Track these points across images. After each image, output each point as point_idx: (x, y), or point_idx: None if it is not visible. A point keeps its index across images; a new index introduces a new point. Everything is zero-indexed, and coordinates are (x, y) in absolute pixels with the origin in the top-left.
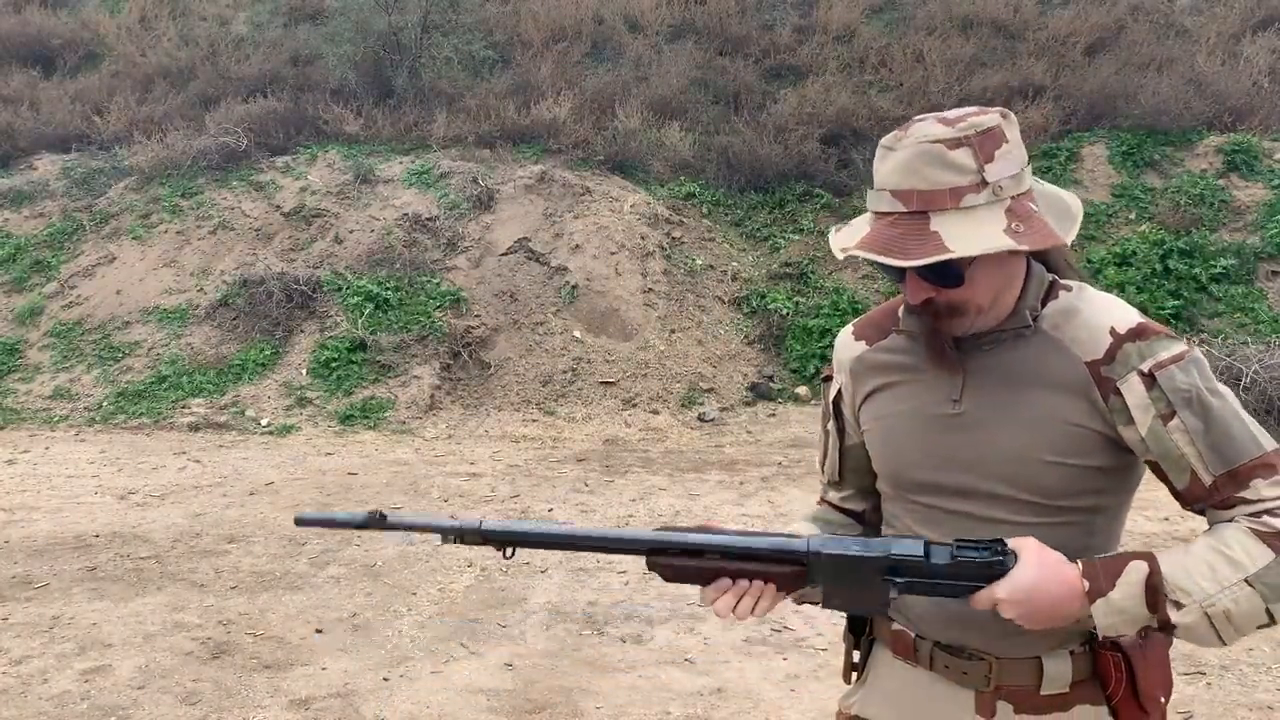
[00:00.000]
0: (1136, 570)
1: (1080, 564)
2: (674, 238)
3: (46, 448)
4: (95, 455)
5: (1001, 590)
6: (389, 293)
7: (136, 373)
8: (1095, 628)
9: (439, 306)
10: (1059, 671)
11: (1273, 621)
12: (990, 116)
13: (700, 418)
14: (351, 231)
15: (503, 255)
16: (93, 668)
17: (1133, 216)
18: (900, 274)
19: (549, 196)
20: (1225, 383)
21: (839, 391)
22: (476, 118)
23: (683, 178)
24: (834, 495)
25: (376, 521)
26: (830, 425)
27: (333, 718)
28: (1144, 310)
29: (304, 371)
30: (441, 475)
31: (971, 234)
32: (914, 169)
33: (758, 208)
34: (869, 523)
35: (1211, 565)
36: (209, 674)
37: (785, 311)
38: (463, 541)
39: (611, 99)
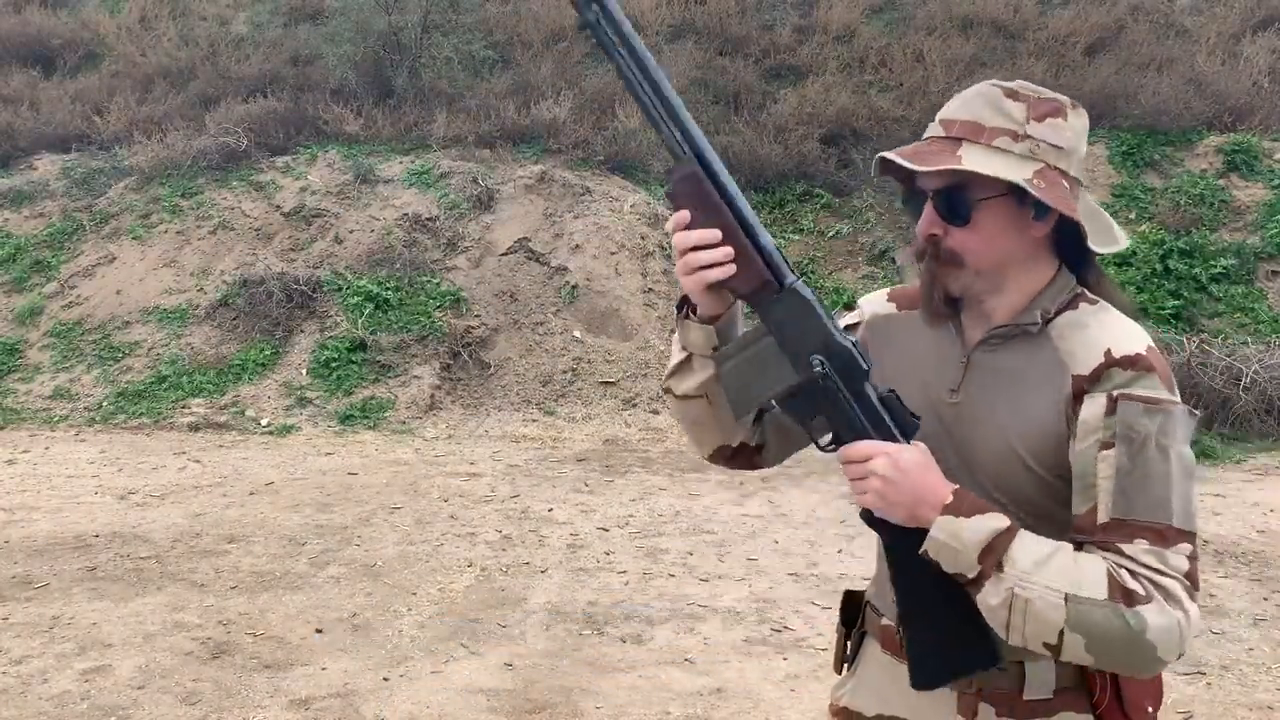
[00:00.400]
0: (997, 521)
1: (958, 485)
2: None
3: (46, 448)
4: (95, 455)
5: (888, 450)
6: (389, 293)
7: (136, 373)
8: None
9: (439, 306)
10: (1043, 677)
11: (1059, 645)
12: (1060, 96)
13: None
14: (351, 231)
15: (503, 255)
16: (93, 668)
17: (1133, 216)
18: (919, 207)
19: (549, 196)
20: (1225, 383)
21: (856, 326)
22: (476, 118)
23: None
24: None
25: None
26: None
27: (333, 718)
28: (1144, 310)
29: (304, 371)
30: (441, 475)
31: (989, 164)
32: (968, 103)
33: (758, 208)
34: (761, 426)
35: (1050, 562)
36: (209, 674)
37: None
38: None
39: (611, 99)
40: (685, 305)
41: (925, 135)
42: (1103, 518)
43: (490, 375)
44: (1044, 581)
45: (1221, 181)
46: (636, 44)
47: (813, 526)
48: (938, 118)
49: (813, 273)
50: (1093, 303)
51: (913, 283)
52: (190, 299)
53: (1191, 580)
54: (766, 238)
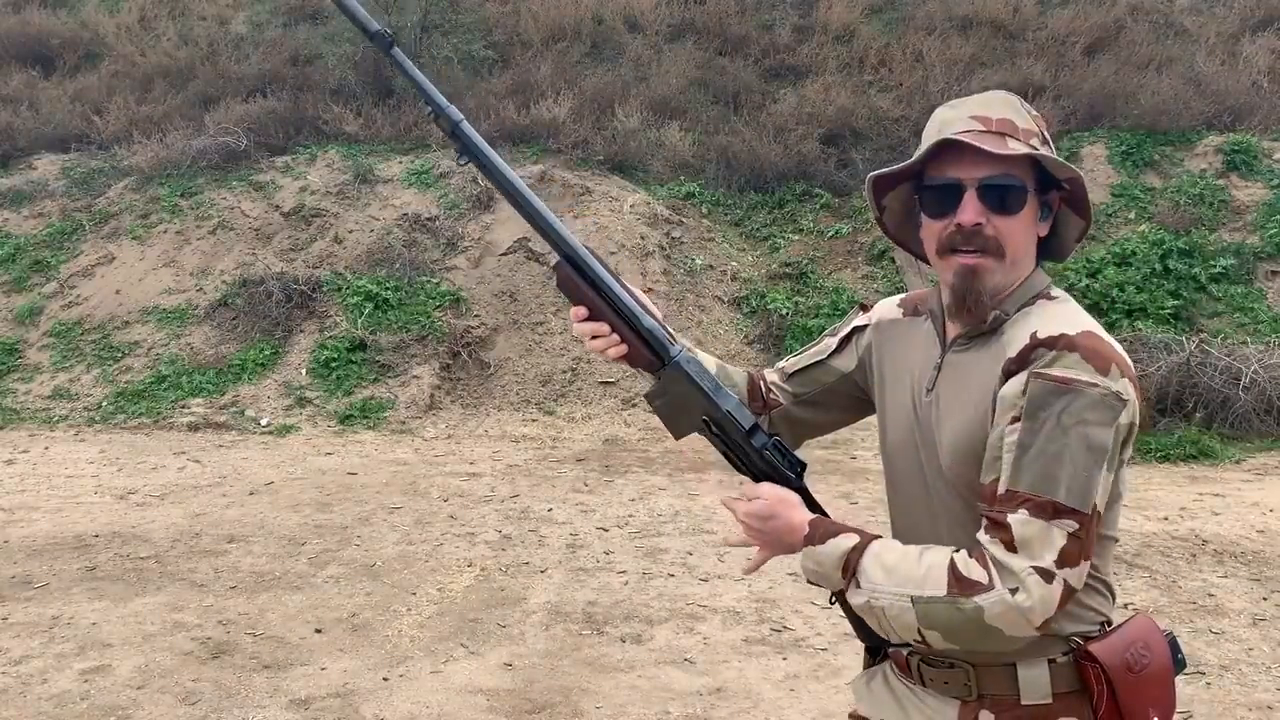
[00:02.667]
0: (847, 541)
1: (814, 516)
2: (674, 238)
3: (46, 448)
4: (95, 455)
5: (761, 492)
6: (389, 293)
7: (136, 372)
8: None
9: (439, 306)
10: (1036, 680)
11: (923, 640)
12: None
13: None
14: (351, 231)
15: (502, 255)
16: (92, 668)
17: (1132, 216)
18: (953, 203)
19: (549, 196)
20: (1225, 383)
21: (865, 329)
22: (476, 118)
23: (682, 178)
24: (771, 375)
25: (383, 40)
26: (830, 339)
27: (332, 718)
28: (1143, 310)
29: (304, 371)
30: (441, 475)
31: (1050, 158)
32: (996, 104)
33: (757, 208)
34: (769, 417)
35: (899, 569)
36: (209, 674)
37: (785, 311)
38: (436, 123)
39: (611, 99)
40: None
41: (951, 131)
42: (1000, 489)
43: (490, 375)
44: (892, 588)
45: (1221, 181)
46: (498, 165)
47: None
48: (966, 114)
49: (812, 273)
50: (1052, 299)
51: (917, 288)
52: (190, 299)
53: (1067, 557)
54: (646, 320)
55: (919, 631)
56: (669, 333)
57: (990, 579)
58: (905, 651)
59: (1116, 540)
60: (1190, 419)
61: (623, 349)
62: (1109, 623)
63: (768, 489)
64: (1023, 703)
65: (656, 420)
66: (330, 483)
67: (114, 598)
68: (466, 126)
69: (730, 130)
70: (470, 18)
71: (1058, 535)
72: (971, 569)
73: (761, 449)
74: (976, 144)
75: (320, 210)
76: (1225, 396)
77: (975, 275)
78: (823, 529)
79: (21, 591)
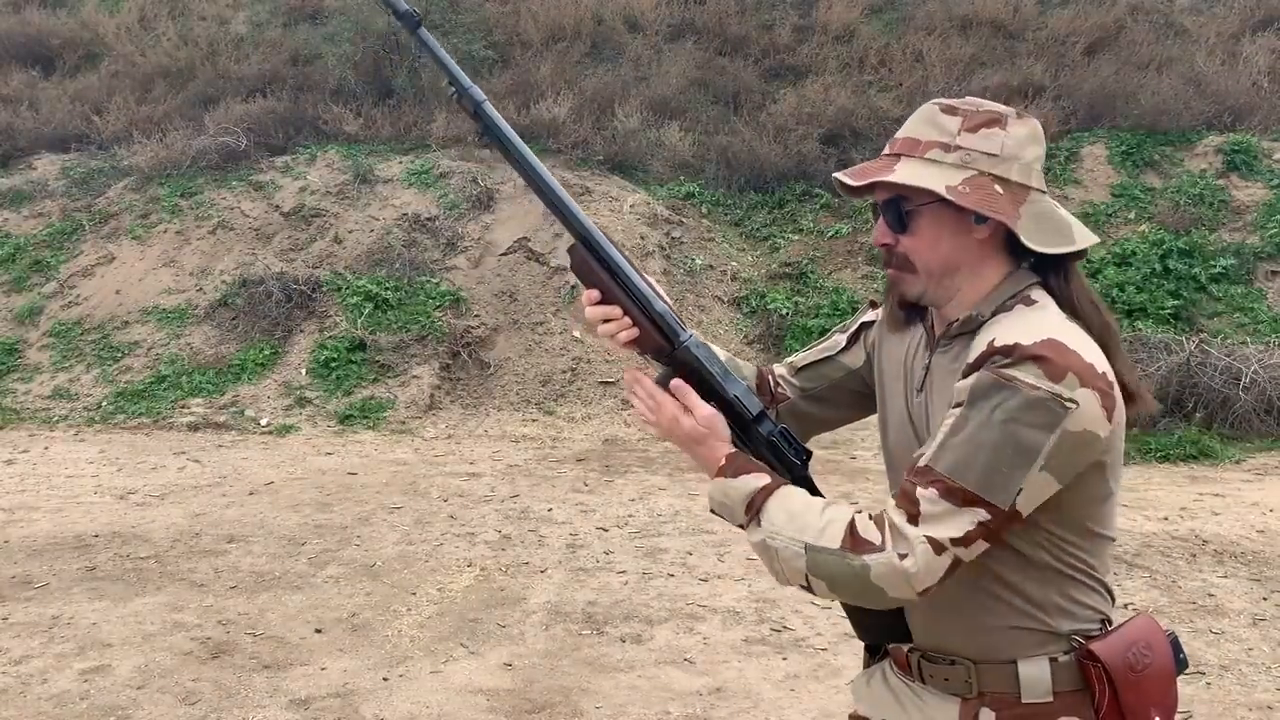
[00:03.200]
0: (757, 480)
1: (734, 449)
2: (674, 238)
3: (46, 448)
4: (95, 455)
5: (680, 416)
6: (389, 293)
7: (136, 372)
8: None
9: (439, 306)
10: (1036, 678)
11: (809, 587)
12: (1001, 107)
13: None
14: (351, 231)
15: (502, 255)
16: (92, 668)
17: (1132, 216)
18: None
19: None
20: (1225, 383)
21: (873, 325)
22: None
23: (682, 178)
24: (780, 369)
25: (410, 20)
26: (840, 335)
27: (332, 718)
28: (1143, 310)
29: (303, 371)
30: (441, 475)
31: (914, 175)
32: (910, 123)
33: (757, 208)
34: (776, 411)
35: (801, 517)
36: (209, 674)
37: (785, 311)
38: (459, 103)
39: (611, 99)
40: None
41: (881, 154)
42: (920, 462)
43: (490, 375)
44: (789, 533)
45: (1221, 181)
46: (517, 144)
47: None
48: (889, 139)
49: (812, 273)
50: (1030, 304)
51: None
52: (190, 299)
53: (965, 542)
54: (658, 304)
55: (806, 578)
56: (679, 319)
57: (883, 541)
58: (905, 649)
59: (1113, 540)
60: (1190, 419)
61: (634, 333)
62: (1109, 621)
63: (709, 410)
64: (1023, 701)
65: None
66: (330, 483)
67: (114, 598)
68: (489, 107)
69: (730, 130)
70: (470, 18)
71: (963, 521)
72: (869, 530)
73: (768, 435)
74: (842, 178)
75: (320, 210)
76: (1225, 396)
77: (894, 286)
78: (738, 464)
79: (21, 591)
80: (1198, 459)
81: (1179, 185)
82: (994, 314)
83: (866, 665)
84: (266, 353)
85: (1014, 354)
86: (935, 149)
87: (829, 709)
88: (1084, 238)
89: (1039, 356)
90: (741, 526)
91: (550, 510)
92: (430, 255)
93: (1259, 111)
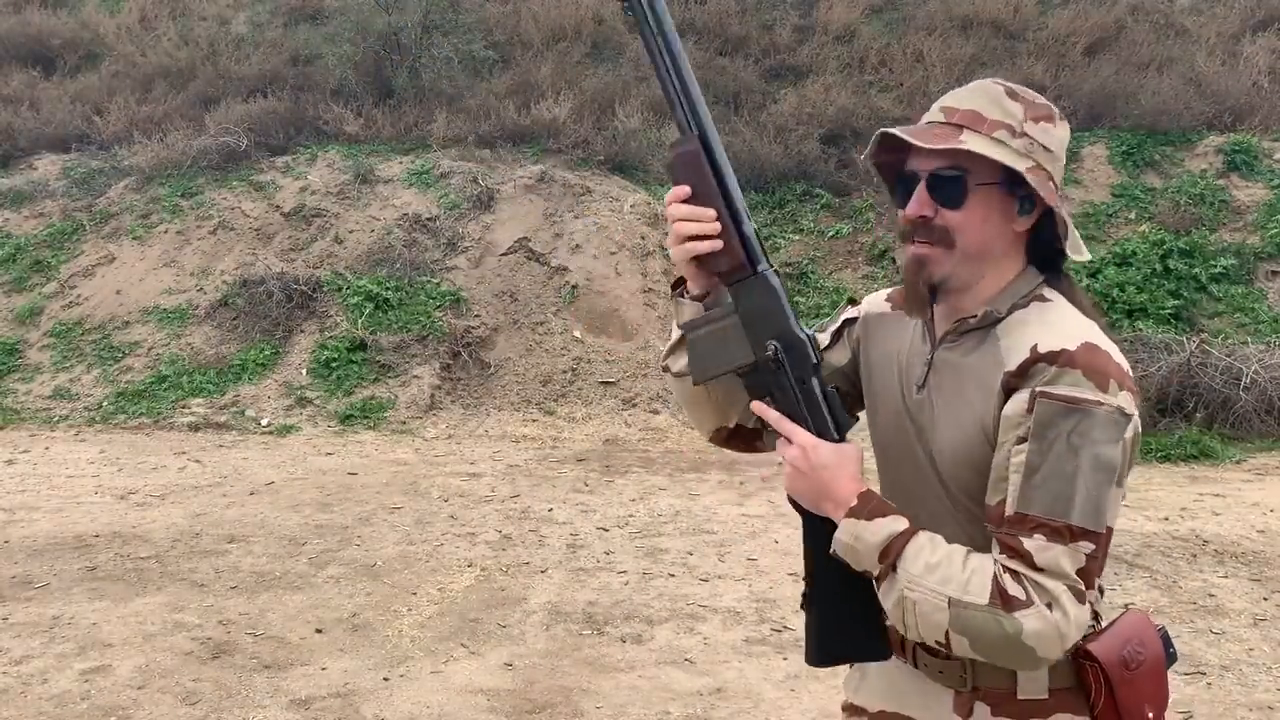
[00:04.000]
0: (895, 525)
1: (866, 488)
2: None
3: (46, 448)
4: (95, 455)
5: (805, 443)
6: (389, 293)
7: (136, 373)
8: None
9: (439, 306)
10: (1033, 675)
11: (947, 643)
12: (1051, 104)
13: None
14: (351, 231)
15: (503, 255)
16: (93, 668)
17: (1133, 216)
18: (908, 191)
19: (549, 196)
20: (1225, 383)
21: (856, 321)
22: (476, 118)
23: None
24: None
25: None
26: (822, 336)
27: (333, 718)
28: (1143, 310)
29: (304, 371)
30: (441, 475)
31: (991, 150)
32: (970, 96)
33: (758, 208)
34: None
35: (942, 567)
36: (209, 674)
37: None
38: None
39: (611, 99)
40: (680, 285)
41: (925, 120)
42: (1008, 511)
43: (490, 375)
44: (931, 585)
45: (1221, 181)
46: (666, 21)
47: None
48: (938, 105)
49: (813, 273)
50: (1046, 300)
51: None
52: (190, 299)
53: (1085, 578)
54: (749, 225)
55: (945, 634)
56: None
57: (1028, 595)
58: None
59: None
60: (1191, 419)
61: (716, 244)
62: (1100, 617)
63: (815, 441)
64: (1018, 697)
65: (657, 420)
66: (330, 483)
67: (114, 598)
68: None
69: (730, 130)
70: (470, 18)
71: (1077, 559)
72: (1009, 583)
73: (824, 392)
74: (906, 137)
75: (320, 210)
76: (1225, 397)
77: (921, 265)
78: (872, 505)
79: (22, 591)
80: (1198, 459)
81: (1179, 185)
82: (1010, 311)
83: None
84: (267, 353)
85: (1060, 361)
86: (1002, 130)
87: (829, 709)
88: (1084, 249)
89: (1086, 364)
90: (869, 574)
91: (551, 510)
92: (431, 255)
93: (1259, 111)
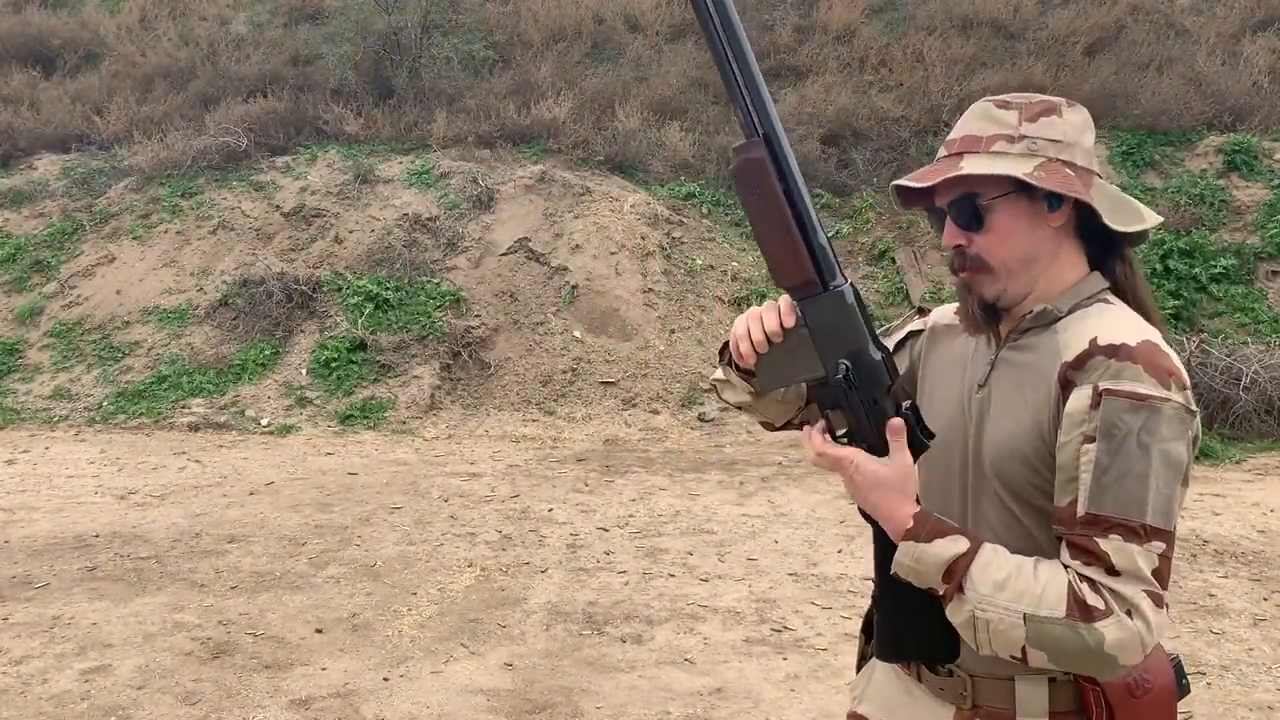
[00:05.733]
0: (956, 546)
1: (921, 507)
2: (674, 238)
3: (46, 448)
4: (95, 455)
5: (861, 459)
6: (389, 293)
7: (136, 373)
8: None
9: (439, 306)
10: (1033, 697)
11: (1024, 659)
12: (1054, 98)
13: (700, 418)
14: (351, 231)
15: (503, 255)
16: (93, 668)
17: None
18: (942, 220)
19: (549, 196)
20: (1225, 383)
21: (920, 334)
22: (476, 118)
23: (683, 178)
24: None
25: None
26: (894, 340)
27: (333, 718)
28: None
29: (304, 371)
30: (441, 475)
31: (987, 165)
32: (964, 124)
33: None
34: None
35: (1013, 583)
36: (209, 674)
37: None
38: None
39: (611, 99)
40: (727, 350)
41: (935, 159)
42: (1080, 512)
43: (490, 375)
44: (1003, 603)
45: (1221, 181)
46: (732, 15)
47: (813, 526)
48: (943, 144)
49: None
50: (1108, 301)
51: (918, 288)
52: (190, 299)
53: (1160, 579)
54: (821, 236)
55: (1022, 649)
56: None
57: (1106, 604)
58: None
59: None
60: None
61: (752, 358)
62: None
63: (867, 459)
64: (1017, 718)
65: (657, 420)
66: (330, 483)
67: (114, 598)
68: None
69: (731, 130)
70: (470, 18)
71: (1151, 559)
72: (1086, 592)
73: (899, 412)
74: (908, 182)
75: (320, 210)
76: (1226, 397)
77: (968, 290)
78: (930, 526)
79: (22, 591)
80: (1198, 459)
81: (1179, 185)
82: (1070, 310)
83: (860, 665)
84: (267, 353)
85: (1120, 354)
86: (999, 141)
87: (829, 709)
88: (1151, 216)
89: (1147, 360)
90: (933, 592)
91: (551, 510)
92: (431, 255)
93: (1259, 111)
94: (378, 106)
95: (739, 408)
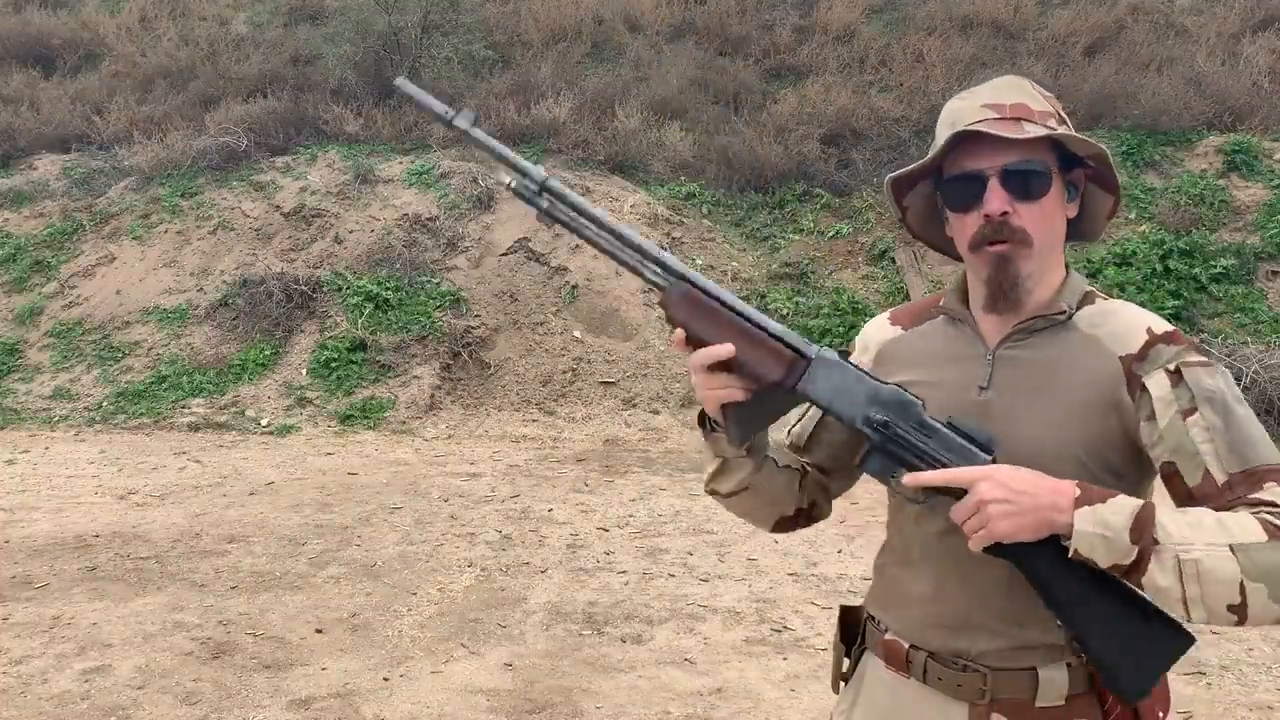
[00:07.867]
0: (1131, 500)
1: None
2: (674, 238)
3: (46, 448)
4: (95, 455)
5: (987, 473)
6: (389, 293)
7: (136, 373)
8: (1068, 539)
9: (439, 306)
10: (1055, 683)
11: (1243, 601)
12: None
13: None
14: (351, 231)
15: (503, 255)
16: (93, 668)
17: (1132, 216)
18: (977, 195)
19: None
20: None
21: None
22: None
23: (683, 178)
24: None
25: (454, 120)
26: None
27: (333, 718)
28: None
29: (304, 371)
30: (441, 475)
31: (1069, 136)
32: (1008, 90)
33: (758, 208)
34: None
35: (1201, 523)
36: (209, 674)
37: (785, 312)
38: (517, 190)
39: (611, 99)
40: (707, 420)
41: (965, 122)
42: (1221, 478)
43: (490, 375)
44: (1204, 540)
45: (1221, 181)
46: (591, 210)
47: (812, 526)
48: (977, 104)
49: (813, 273)
50: (1105, 296)
51: (918, 288)
52: (190, 299)
53: None
54: (774, 324)
55: (1240, 588)
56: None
57: None
58: (907, 646)
59: None
60: None
61: (740, 394)
62: None
63: (992, 466)
64: (1037, 705)
65: (657, 420)
66: (330, 483)
67: (114, 598)
68: (555, 183)
69: (730, 130)
70: (470, 18)
71: None
72: (1269, 517)
73: (948, 424)
74: (994, 131)
75: (320, 210)
76: None
77: (1009, 262)
78: (1095, 490)
79: (22, 591)
80: None
81: (1179, 185)
82: (1079, 306)
83: (836, 675)
84: (267, 353)
85: (1175, 340)
86: (1051, 119)
87: (829, 709)
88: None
89: (1188, 342)
90: (1122, 566)
91: (551, 510)
92: (431, 255)
93: (1259, 111)
94: (378, 106)
95: (733, 511)
